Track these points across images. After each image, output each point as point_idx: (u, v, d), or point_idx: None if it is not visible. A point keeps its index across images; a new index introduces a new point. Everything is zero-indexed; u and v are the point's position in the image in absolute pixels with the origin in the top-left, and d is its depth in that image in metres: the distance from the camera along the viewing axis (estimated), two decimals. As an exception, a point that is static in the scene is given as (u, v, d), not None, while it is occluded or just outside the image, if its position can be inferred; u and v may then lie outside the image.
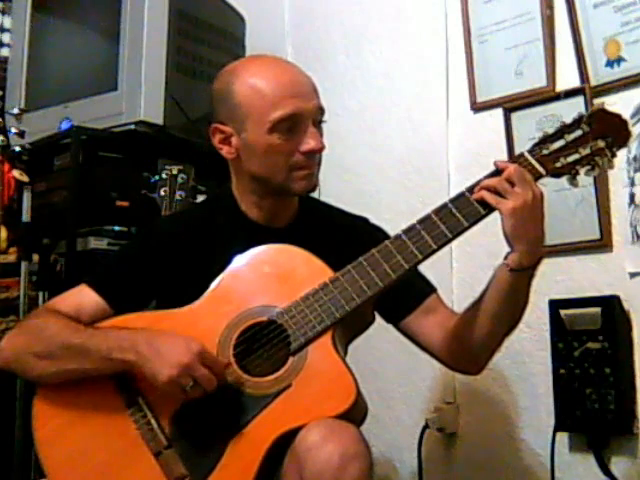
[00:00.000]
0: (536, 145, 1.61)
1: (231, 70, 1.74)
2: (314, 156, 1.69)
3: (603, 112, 1.61)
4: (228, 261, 1.68)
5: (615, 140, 1.59)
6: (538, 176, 1.59)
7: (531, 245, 1.58)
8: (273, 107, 1.64)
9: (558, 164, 1.59)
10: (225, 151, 1.74)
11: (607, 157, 1.59)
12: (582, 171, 1.60)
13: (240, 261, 1.68)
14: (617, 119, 1.61)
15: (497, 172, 1.59)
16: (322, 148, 1.70)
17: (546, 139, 1.60)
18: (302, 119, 1.66)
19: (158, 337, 1.60)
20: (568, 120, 1.62)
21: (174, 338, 1.59)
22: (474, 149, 2.45)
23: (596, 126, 1.58)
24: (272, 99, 1.65)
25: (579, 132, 1.59)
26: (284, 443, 1.52)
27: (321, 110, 1.71)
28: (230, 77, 1.72)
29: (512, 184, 1.55)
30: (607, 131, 1.58)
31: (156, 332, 1.62)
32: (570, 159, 1.59)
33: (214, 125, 1.73)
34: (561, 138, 1.59)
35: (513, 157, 1.63)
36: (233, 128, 1.70)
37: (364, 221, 1.89)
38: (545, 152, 1.59)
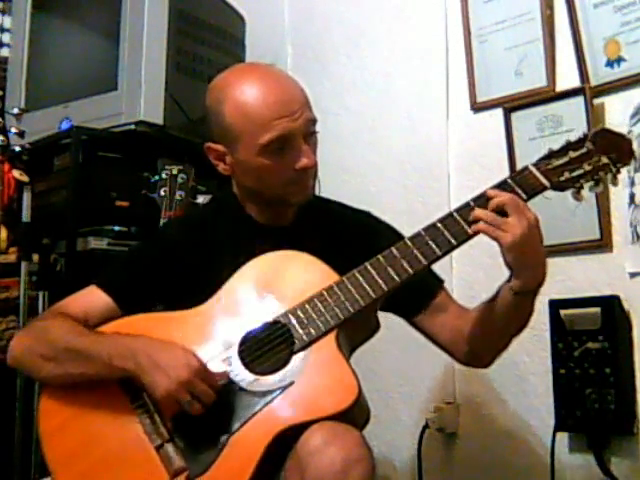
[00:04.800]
0: (541, 159, 1.62)
1: (221, 86, 1.74)
2: (307, 171, 1.71)
3: (607, 131, 1.63)
4: (234, 261, 1.70)
5: (619, 157, 1.60)
6: (542, 188, 1.60)
7: (533, 270, 1.61)
8: (261, 130, 1.65)
9: (562, 178, 1.60)
10: (221, 168, 1.77)
11: (611, 173, 1.60)
12: (586, 186, 1.61)
13: (248, 264, 1.69)
14: (620, 138, 1.63)
15: (484, 195, 1.60)
16: (314, 164, 1.71)
17: (551, 155, 1.62)
18: (292, 138, 1.67)
19: (158, 348, 1.61)
20: (572, 136, 1.63)
21: (174, 351, 1.60)
22: (474, 149, 2.45)
23: (600, 144, 1.60)
24: (260, 122, 1.66)
25: (584, 150, 1.60)
26: (285, 444, 1.52)
27: (311, 122, 1.71)
28: (220, 95, 1.72)
29: (506, 214, 1.56)
30: (611, 148, 1.60)
31: (156, 343, 1.62)
32: (574, 174, 1.60)
33: (207, 144, 1.76)
34: (565, 155, 1.61)
35: (517, 170, 1.64)
36: (226, 147, 1.73)
37: (366, 215, 1.91)
38: (549, 166, 1.60)
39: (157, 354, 1.58)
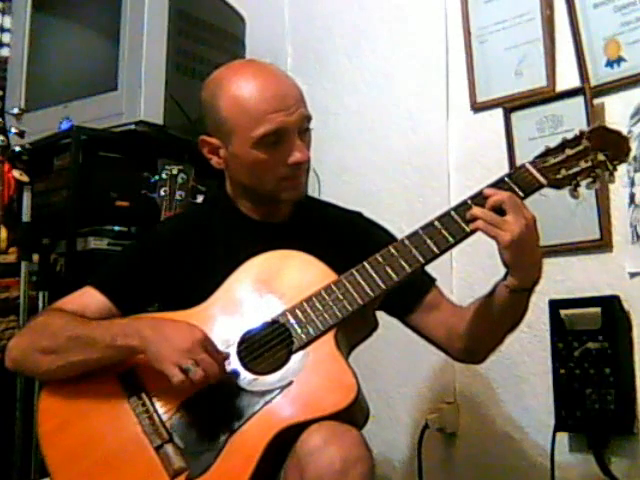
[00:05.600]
0: (537, 157, 1.63)
1: (217, 81, 1.76)
2: (301, 167, 1.72)
3: (603, 129, 1.64)
4: (229, 259, 1.71)
5: (615, 154, 1.61)
6: (539, 186, 1.61)
7: (530, 269, 1.62)
8: (256, 123, 1.67)
9: (559, 175, 1.61)
10: (214, 161, 1.78)
11: (608, 170, 1.61)
12: (583, 183, 1.62)
13: (246, 264, 1.70)
14: (617, 135, 1.64)
15: (481, 194, 1.61)
16: (307, 159, 1.72)
17: (547, 152, 1.62)
18: (286, 132, 1.68)
19: (162, 323, 1.63)
20: (569, 135, 1.64)
21: (178, 324, 1.61)
22: (474, 149, 2.45)
23: (596, 141, 1.61)
24: (255, 115, 1.67)
25: (580, 147, 1.61)
26: (285, 444, 1.52)
27: (306, 118, 1.72)
28: (215, 89, 1.74)
29: (503, 212, 1.56)
30: (607, 146, 1.61)
31: (159, 319, 1.65)
32: (571, 171, 1.61)
33: (202, 137, 1.77)
34: (562, 152, 1.61)
35: (514, 167, 1.65)
36: (220, 140, 1.74)
37: (358, 215, 1.92)
38: (546, 164, 1.61)
39: (161, 328, 1.60)
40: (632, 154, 2.09)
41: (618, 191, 2.14)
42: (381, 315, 1.79)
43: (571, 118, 2.20)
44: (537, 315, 2.17)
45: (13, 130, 2.75)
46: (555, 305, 2.17)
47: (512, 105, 2.34)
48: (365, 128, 2.71)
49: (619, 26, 2.16)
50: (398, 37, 2.66)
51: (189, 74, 2.68)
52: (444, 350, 1.84)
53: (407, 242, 1.62)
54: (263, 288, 1.67)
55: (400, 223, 2.20)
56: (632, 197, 2.13)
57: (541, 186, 1.61)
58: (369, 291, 1.60)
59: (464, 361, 1.90)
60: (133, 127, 2.56)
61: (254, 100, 1.68)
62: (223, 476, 1.53)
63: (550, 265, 2.12)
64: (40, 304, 2.54)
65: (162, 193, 2.29)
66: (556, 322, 2.16)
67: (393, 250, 1.62)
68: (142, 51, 2.56)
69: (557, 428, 2.15)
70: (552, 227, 2.17)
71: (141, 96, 2.55)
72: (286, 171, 1.70)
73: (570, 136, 1.63)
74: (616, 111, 2.16)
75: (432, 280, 1.85)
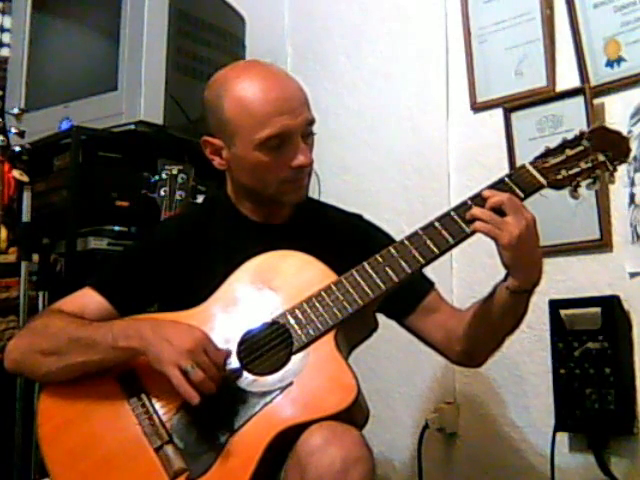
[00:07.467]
0: (538, 157, 1.63)
1: (221, 81, 1.75)
2: (304, 170, 1.72)
3: (604, 129, 1.64)
4: (229, 260, 1.71)
5: (615, 154, 1.61)
6: (539, 186, 1.61)
7: (530, 270, 1.62)
8: (260, 126, 1.66)
9: (559, 176, 1.61)
10: (217, 162, 1.77)
11: (609, 171, 1.61)
12: (583, 184, 1.62)
13: (246, 264, 1.70)
14: (617, 136, 1.64)
15: (480, 195, 1.61)
16: (311, 163, 1.72)
17: (548, 153, 1.63)
18: (290, 135, 1.68)
19: (163, 324, 1.62)
20: (569, 135, 1.64)
21: (179, 325, 1.61)
22: (474, 149, 2.45)
23: (596, 142, 1.61)
24: (259, 117, 1.67)
25: (580, 148, 1.61)
26: (285, 444, 1.52)
27: (310, 122, 1.72)
28: (220, 89, 1.73)
29: (503, 213, 1.56)
30: (607, 146, 1.61)
31: (160, 320, 1.65)
32: (571, 172, 1.61)
33: (205, 138, 1.76)
34: (562, 153, 1.62)
35: (514, 168, 1.65)
36: (223, 141, 1.74)
37: (358, 217, 1.92)
38: (546, 164, 1.61)
39: (162, 329, 1.60)
40: (632, 154, 2.10)
41: (618, 191, 2.15)
42: (381, 315, 1.79)
43: (571, 118, 2.20)
44: (537, 315, 2.17)
45: (13, 130, 2.75)
46: (555, 305, 2.17)
47: (512, 105, 2.35)
48: (365, 128, 2.72)
49: (619, 26, 2.16)
50: (398, 37, 2.66)
51: (189, 74, 2.68)
52: (443, 353, 1.83)
53: (407, 243, 1.62)
54: (263, 288, 1.67)
55: (400, 223, 2.21)
56: (632, 197, 2.13)
57: (541, 186, 1.61)
58: (369, 291, 1.60)
59: (463, 364, 1.89)
60: (133, 127, 2.56)
61: (258, 102, 1.67)
62: (223, 477, 1.53)
63: (550, 265, 2.12)
64: (40, 304, 2.54)
65: (162, 193, 2.28)
66: (556, 322, 2.16)
67: (393, 250, 1.63)
68: (142, 51, 2.56)
69: (557, 428, 2.15)
70: (552, 227, 2.17)
71: (141, 96, 2.55)
72: (289, 174, 1.70)
73: (570, 136, 1.63)
74: (616, 111, 2.16)
75: (431, 283, 1.85)
